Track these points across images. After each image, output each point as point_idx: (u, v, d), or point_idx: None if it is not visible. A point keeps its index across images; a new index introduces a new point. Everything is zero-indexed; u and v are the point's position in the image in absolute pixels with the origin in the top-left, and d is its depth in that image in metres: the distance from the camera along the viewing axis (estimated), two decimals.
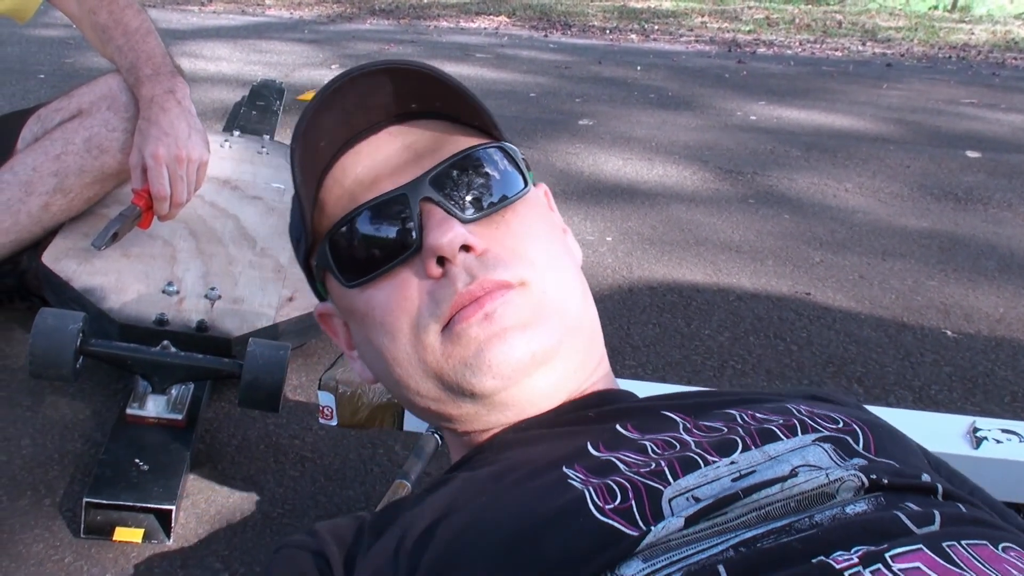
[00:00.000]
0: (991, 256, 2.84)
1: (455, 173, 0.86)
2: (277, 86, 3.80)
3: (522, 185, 0.90)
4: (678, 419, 0.84)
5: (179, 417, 1.57)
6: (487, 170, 0.88)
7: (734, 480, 0.73)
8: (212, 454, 1.63)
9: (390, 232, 0.85)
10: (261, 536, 1.44)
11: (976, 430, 1.45)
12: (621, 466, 0.76)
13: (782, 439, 0.78)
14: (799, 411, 0.83)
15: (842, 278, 2.60)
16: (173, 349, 1.63)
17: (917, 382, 2.05)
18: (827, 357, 2.13)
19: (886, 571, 0.59)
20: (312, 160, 0.88)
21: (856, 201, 3.33)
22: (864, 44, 8.62)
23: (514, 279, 0.83)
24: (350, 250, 0.88)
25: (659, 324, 2.24)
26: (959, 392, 2.02)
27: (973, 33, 9.83)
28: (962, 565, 0.61)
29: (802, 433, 0.79)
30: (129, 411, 1.56)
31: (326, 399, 1.45)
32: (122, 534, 1.39)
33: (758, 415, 0.83)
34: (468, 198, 0.86)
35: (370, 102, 0.89)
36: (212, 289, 1.87)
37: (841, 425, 0.81)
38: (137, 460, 1.46)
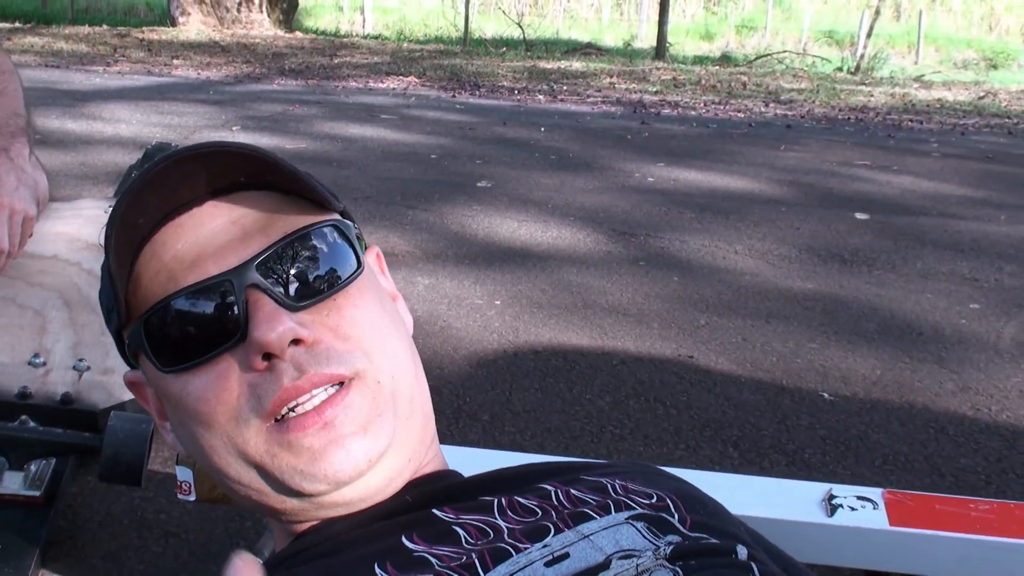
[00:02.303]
0: (872, 318, 2.91)
1: (284, 257, 0.81)
2: (172, 149, 3.78)
3: (355, 266, 0.85)
4: (494, 499, 0.84)
5: (37, 494, 1.54)
6: (318, 253, 0.83)
7: (547, 564, 0.73)
8: (73, 530, 1.60)
9: (212, 320, 0.79)
10: None
11: (832, 497, 1.47)
12: (434, 561, 0.76)
13: (595, 518, 0.79)
14: (614, 489, 0.83)
15: (725, 341, 2.64)
16: (32, 424, 1.59)
17: (792, 445, 2.08)
18: (705, 421, 2.16)
19: None
20: (129, 234, 0.81)
21: (745, 263, 3.40)
22: (767, 105, 8.83)
23: (348, 371, 0.79)
24: (166, 335, 0.81)
25: (541, 389, 2.25)
26: (832, 455, 2.05)
27: (872, 95, 10.13)
28: None
29: (615, 511, 0.80)
30: None
31: (184, 474, 1.42)
32: None
33: (572, 492, 0.83)
34: (298, 284, 0.81)
35: (195, 177, 0.82)
36: (81, 360, 1.83)
37: (655, 500, 0.82)
38: None
